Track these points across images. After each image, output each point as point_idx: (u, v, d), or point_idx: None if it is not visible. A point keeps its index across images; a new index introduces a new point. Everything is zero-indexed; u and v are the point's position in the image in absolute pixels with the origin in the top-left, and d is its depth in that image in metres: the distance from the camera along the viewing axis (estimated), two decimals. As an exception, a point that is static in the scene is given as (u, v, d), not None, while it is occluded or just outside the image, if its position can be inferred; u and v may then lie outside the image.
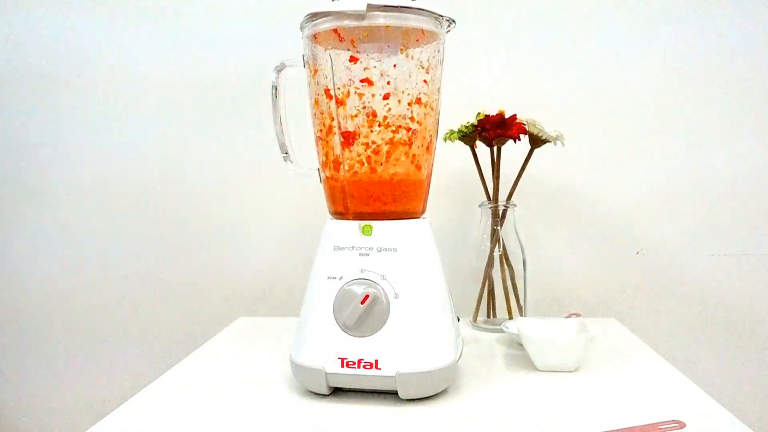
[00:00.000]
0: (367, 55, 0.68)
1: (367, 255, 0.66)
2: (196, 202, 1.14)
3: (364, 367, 0.63)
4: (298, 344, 0.68)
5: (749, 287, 1.07)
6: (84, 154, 1.15)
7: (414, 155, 0.70)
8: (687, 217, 1.08)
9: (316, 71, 0.71)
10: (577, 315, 0.92)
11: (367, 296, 0.63)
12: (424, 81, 0.70)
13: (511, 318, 0.95)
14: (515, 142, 0.93)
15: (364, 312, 0.63)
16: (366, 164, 0.69)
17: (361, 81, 0.68)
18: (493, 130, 0.91)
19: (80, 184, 1.15)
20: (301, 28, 0.70)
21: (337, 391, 0.67)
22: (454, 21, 0.70)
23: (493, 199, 0.97)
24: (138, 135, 1.14)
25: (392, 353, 0.63)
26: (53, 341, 1.17)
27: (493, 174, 0.97)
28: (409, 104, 0.69)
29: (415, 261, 0.67)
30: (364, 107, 0.68)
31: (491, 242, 0.96)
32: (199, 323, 1.14)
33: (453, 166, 1.06)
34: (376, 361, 0.63)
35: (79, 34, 1.14)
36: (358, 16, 0.65)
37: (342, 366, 0.63)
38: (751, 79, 1.06)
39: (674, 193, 1.07)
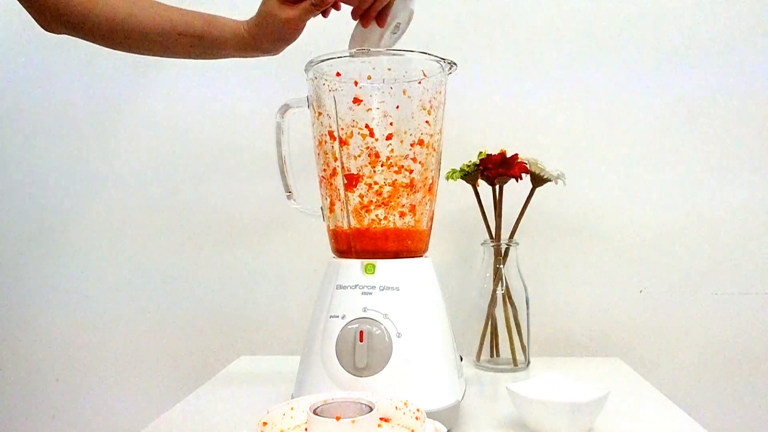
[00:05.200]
0: (371, 96, 0.69)
1: (370, 294, 0.66)
2: (199, 240, 1.14)
3: (366, 407, 0.62)
4: (300, 383, 0.67)
5: (753, 326, 1.06)
6: (91, 190, 1.16)
7: (416, 195, 0.71)
8: (690, 255, 1.08)
9: (320, 113, 0.72)
10: None
11: (362, 332, 0.63)
12: (426, 122, 0.71)
13: (515, 361, 0.95)
14: (517, 181, 0.94)
15: (365, 350, 0.63)
16: (369, 204, 0.70)
17: (365, 126, 0.69)
18: (495, 169, 0.92)
19: (89, 221, 1.16)
20: (305, 70, 0.72)
21: None
22: (455, 64, 0.71)
23: (496, 237, 0.97)
24: (140, 174, 1.15)
25: (395, 393, 0.62)
26: (52, 380, 1.16)
27: (495, 212, 0.97)
28: (411, 145, 0.70)
29: (417, 300, 0.67)
30: (368, 147, 0.69)
31: (494, 281, 0.96)
32: (201, 362, 1.13)
33: (455, 205, 1.06)
34: (379, 401, 0.62)
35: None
36: (362, 59, 0.67)
37: (344, 406, 0.63)
38: (756, 120, 1.07)
39: (677, 231, 1.08)
